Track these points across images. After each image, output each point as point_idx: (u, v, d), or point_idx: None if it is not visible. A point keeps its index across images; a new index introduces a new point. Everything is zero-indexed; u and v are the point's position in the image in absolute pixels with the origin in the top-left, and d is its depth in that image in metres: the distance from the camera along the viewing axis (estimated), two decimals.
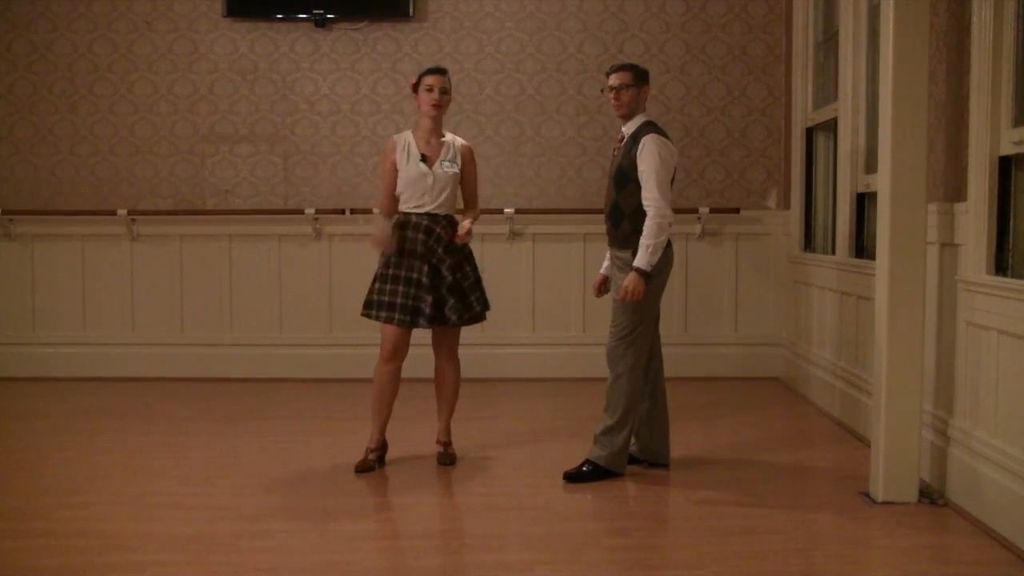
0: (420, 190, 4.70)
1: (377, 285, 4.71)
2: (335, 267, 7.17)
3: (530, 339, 7.15)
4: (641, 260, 4.46)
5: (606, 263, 4.86)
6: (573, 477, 4.57)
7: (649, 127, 4.60)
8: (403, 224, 4.70)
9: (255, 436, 5.49)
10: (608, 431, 4.59)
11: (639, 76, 4.64)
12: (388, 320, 4.67)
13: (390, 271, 4.68)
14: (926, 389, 4.33)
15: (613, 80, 4.64)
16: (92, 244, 7.22)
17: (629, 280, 4.46)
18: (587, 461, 4.61)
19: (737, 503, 4.28)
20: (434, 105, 4.72)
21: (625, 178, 4.57)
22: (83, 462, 4.97)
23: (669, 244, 4.63)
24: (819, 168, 6.67)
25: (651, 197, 4.47)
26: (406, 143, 4.76)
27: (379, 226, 4.74)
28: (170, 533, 3.89)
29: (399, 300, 4.65)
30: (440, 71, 4.77)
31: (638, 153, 4.52)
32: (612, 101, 4.67)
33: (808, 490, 4.54)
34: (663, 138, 4.56)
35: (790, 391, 6.72)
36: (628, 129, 4.65)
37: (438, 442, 4.94)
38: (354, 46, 7.20)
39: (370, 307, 4.72)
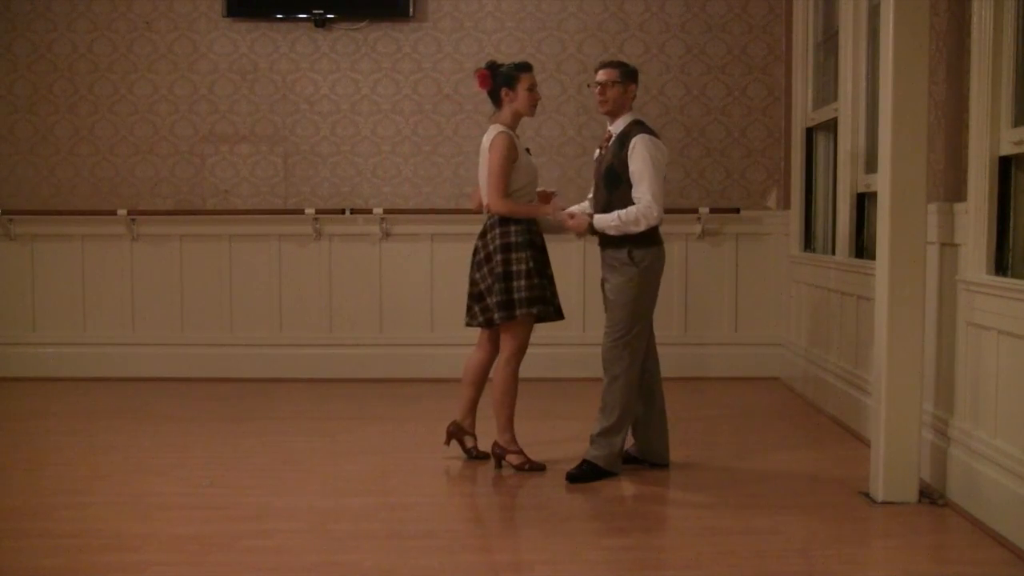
0: (534, 186, 4.78)
1: (537, 281, 4.64)
2: (335, 267, 7.17)
3: (530, 339, 7.13)
4: (601, 221, 4.54)
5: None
6: (575, 477, 4.56)
7: (638, 126, 4.60)
8: (518, 220, 4.68)
9: (255, 436, 5.48)
10: (605, 432, 4.59)
11: (626, 74, 4.66)
12: (543, 315, 4.72)
13: (532, 266, 4.63)
14: (926, 389, 4.33)
15: (600, 76, 4.67)
16: (92, 244, 7.22)
17: (580, 220, 4.58)
18: (585, 461, 4.61)
19: (737, 503, 4.28)
20: (535, 105, 4.79)
21: (617, 178, 4.57)
22: (83, 462, 4.97)
23: (661, 245, 4.65)
24: (819, 168, 6.66)
25: (643, 197, 4.48)
26: (516, 139, 4.73)
27: (560, 215, 4.70)
28: (170, 533, 3.89)
29: (546, 294, 4.70)
30: (532, 68, 4.80)
31: (629, 153, 4.52)
32: (597, 97, 4.70)
33: (808, 490, 4.54)
34: (654, 137, 4.57)
35: (790, 391, 6.72)
36: (616, 128, 4.65)
37: (499, 445, 4.84)
38: (354, 46, 7.20)
39: (543, 303, 4.66)
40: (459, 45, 7.17)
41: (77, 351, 7.22)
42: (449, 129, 7.18)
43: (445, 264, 7.03)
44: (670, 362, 7.01)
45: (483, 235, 4.75)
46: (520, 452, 4.76)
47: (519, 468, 4.72)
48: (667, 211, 6.88)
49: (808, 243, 6.78)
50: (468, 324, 4.86)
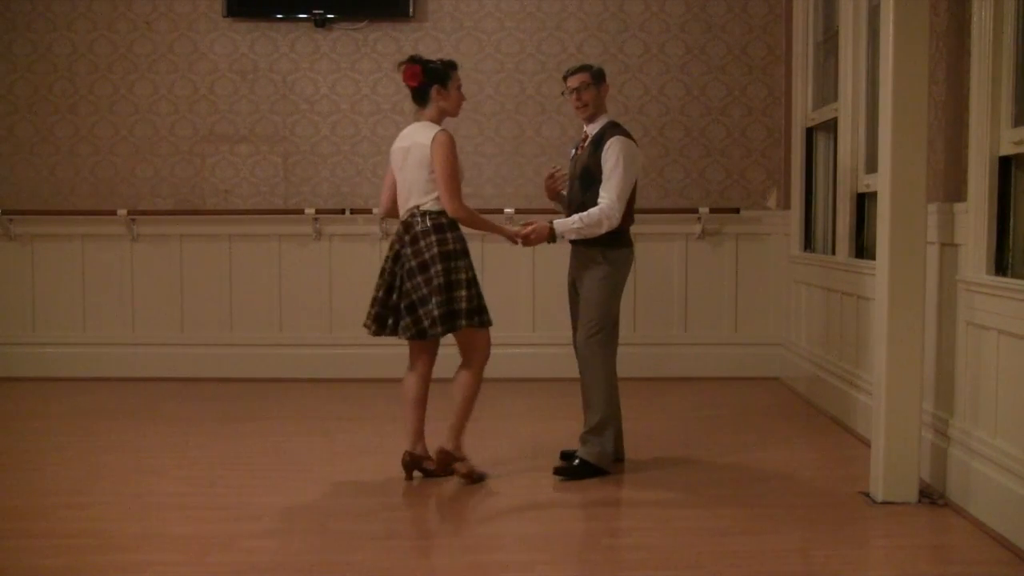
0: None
1: (476, 290, 4.43)
2: (335, 267, 7.16)
3: (530, 339, 7.15)
4: (563, 226, 4.54)
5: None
6: (564, 474, 4.59)
7: (614, 128, 4.65)
8: (453, 225, 4.44)
9: (255, 436, 5.48)
10: (594, 430, 4.63)
11: (596, 75, 4.70)
12: (488, 323, 4.51)
13: (472, 275, 4.44)
14: (926, 389, 4.33)
15: (572, 82, 4.69)
16: (92, 244, 7.22)
17: (539, 227, 4.56)
18: (576, 458, 4.64)
19: (737, 503, 4.28)
20: (461, 105, 4.61)
21: (591, 179, 4.61)
22: (83, 462, 4.97)
23: (631, 247, 4.68)
24: (819, 168, 6.66)
25: (607, 197, 4.51)
26: None
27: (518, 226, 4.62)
28: (170, 533, 3.89)
29: (484, 303, 4.49)
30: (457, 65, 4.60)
31: (603, 153, 4.56)
32: (575, 103, 4.71)
33: (808, 490, 4.54)
34: (629, 140, 4.61)
35: (790, 391, 6.72)
36: (592, 129, 4.70)
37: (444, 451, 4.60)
38: (354, 46, 7.20)
39: (484, 312, 4.45)
40: (459, 45, 7.17)
41: (77, 351, 7.21)
42: (448, 128, 7.15)
43: None
44: (670, 362, 7.09)
45: (414, 241, 4.39)
46: (467, 459, 4.57)
47: (468, 476, 4.52)
48: (667, 211, 7.01)
49: (808, 243, 6.78)
50: (377, 333, 4.54)
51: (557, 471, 4.63)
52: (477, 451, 5.09)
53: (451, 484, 4.62)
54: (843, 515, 4.11)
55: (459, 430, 4.58)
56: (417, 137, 4.46)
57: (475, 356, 4.54)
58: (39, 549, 3.70)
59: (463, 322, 4.38)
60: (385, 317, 4.53)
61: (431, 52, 7.14)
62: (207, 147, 7.26)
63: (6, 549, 3.71)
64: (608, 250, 4.60)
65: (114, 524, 3.99)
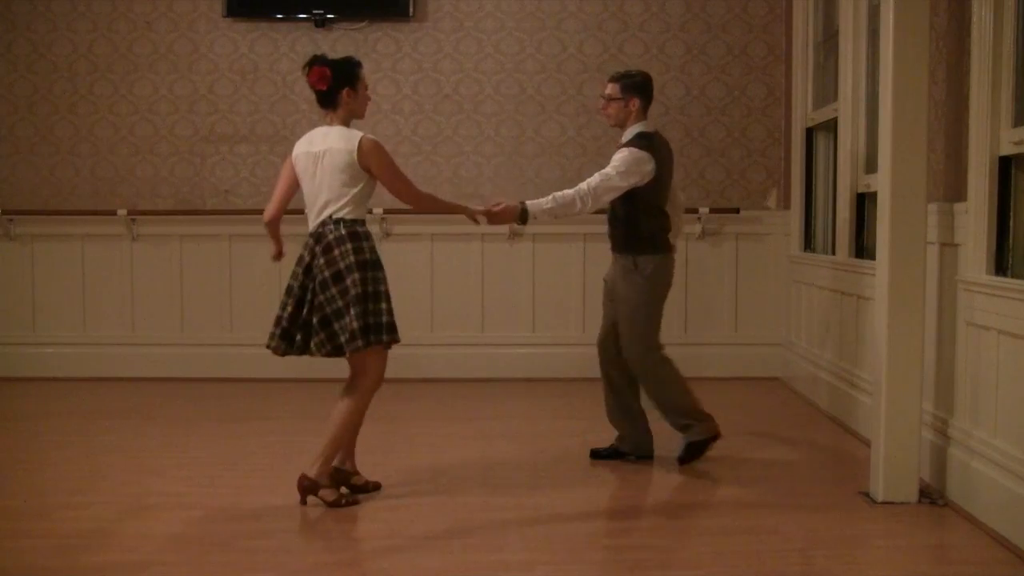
0: None
1: (392, 305, 4.19)
2: None
3: (530, 339, 7.15)
4: (536, 206, 4.51)
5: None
6: (685, 460, 4.72)
7: (636, 139, 4.65)
8: (367, 234, 4.25)
9: (255, 436, 5.49)
10: (679, 417, 4.73)
11: (627, 88, 4.69)
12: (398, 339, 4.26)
13: (387, 288, 4.20)
14: (926, 389, 4.33)
15: (605, 89, 4.76)
16: (92, 244, 7.22)
17: (508, 207, 4.51)
18: (688, 443, 4.74)
19: (737, 503, 4.28)
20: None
21: None
22: (83, 462, 4.97)
23: (669, 252, 4.69)
24: (819, 168, 6.67)
25: (589, 182, 4.53)
26: None
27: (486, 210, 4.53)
28: (170, 533, 3.89)
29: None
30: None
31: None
32: (601, 108, 4.81)
33: (808, 490, 4.54)
34: (640, 152, 4.57)
35: (790, 391, 6.72)
36: (623, 138, 4.74)
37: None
38: (354, 46, 7.19)
39: (396, 329, 4.21)
40: (459, 45, 7.17)
41: (77, 351, 7.21)
42: (449, 129, 7.18)
43: (445, 264, 7.04)
44: None
45: (327, 250, 4.14)
46: (333, 487, 4.25)
47: (334, 504, 4.19)
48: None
49: (808, 243, 6.79)
50: (286, 352, 4.27)
51: (681, 459, 4.72)
52: (477, 451, 5.11)
53: (450, 484, 4.62)
54: (843, 515, 4.11)
55: (328, 457, 4.23)
56: (332, 143, 4.15)
57: (366, 380, 4.27)
58: (39, 549, 3.70)
59: (384, 336, 4.13)
60: (293, 334, 4.21)
61: (431, 52, 7.16)
62: (207, 147, 7.26)
63: (6, 549, 3.71)
64: (639, 256, 4.63)
65: (114, 524, 3.99)
